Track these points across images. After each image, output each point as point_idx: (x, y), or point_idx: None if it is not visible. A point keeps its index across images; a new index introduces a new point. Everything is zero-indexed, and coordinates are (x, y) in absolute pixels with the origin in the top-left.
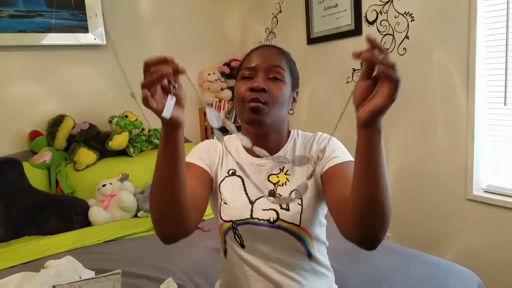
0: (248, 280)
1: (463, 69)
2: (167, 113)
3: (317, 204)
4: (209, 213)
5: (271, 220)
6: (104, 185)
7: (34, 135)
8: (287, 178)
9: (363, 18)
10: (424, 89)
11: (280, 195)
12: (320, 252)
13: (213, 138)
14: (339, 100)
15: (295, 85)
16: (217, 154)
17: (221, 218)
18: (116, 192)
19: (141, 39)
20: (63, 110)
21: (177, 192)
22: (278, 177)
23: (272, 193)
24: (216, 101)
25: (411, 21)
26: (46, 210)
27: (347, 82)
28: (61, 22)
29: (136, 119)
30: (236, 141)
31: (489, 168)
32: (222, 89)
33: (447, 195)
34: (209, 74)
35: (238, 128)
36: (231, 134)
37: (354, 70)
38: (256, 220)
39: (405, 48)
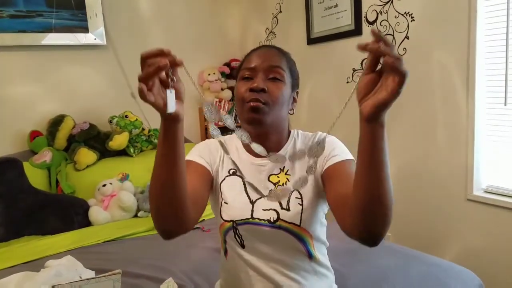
0: (248, 280)
1: (463, 69)
2: (171, 108)
3: (318, 204)
4: (209, 213)
5: (272, 220)
6: (104, 185)
7: (34, 135)
8: (287, 178)
9: (363, 18)
10: (424, 89)
11: None
12: (321, 252)
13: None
14: (339, 100)
15: (295, 85)
16: (218, 153)
17: (221, 217)
18: (116, 192)
19: (141, 39)
20: (63, 110)
21: (176, 188)
22: (278, 177)
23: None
24: (216, 101)
25: (411, 21)
26: (46, 210)
27: (347, 82)
28: (61, 22)
29: (136, 119)
30: (237, 141)
31: (489, 168)
32: (222, 89)
33: (447, 195)
34: (209, 74)
35: (238, 128)
36: (232, 134)
37: (354, 70)
38: (256, 220)
39: (405, 48)
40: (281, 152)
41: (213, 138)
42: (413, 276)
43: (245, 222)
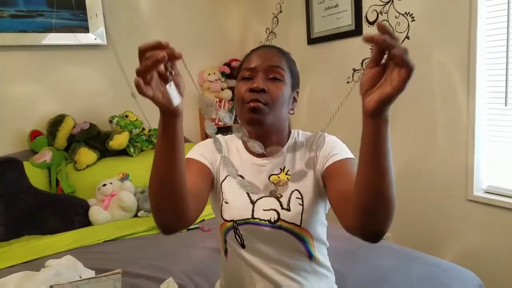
0: (248, 280)
1: (464, 69)
2: (175, 101)
3: (318, 204)
4: (209, 213)
5: (272, 220)
6: (104, 185)
7: (34, 134)
8: (288, 179)
9: (364, 19)
10: (425, 89)
11: (281, 195)
12: (321, 253)
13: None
14: (339, 100)
15: (295, 85)
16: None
17: (222, 217)
18: (116, 192)
19: (141, 39)
20: (64, 109)
21: (175, 183)
22: (279, 177)
23: (273, 194)
24: (216, 101)
25: (412, 21)
26: (47, 209)
27: (347, 82)
28: (62, 22)
29: (137, 119)
30: (238, 141)
31: (490, 168)
32: (222, 89)
33: (447, 196)
34: (209, 74)
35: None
36: (232, 134)
37: (354, 70)
38: (257, 220)
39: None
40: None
41: (209, 134)
42: (413, 276)
43: (245, 222)
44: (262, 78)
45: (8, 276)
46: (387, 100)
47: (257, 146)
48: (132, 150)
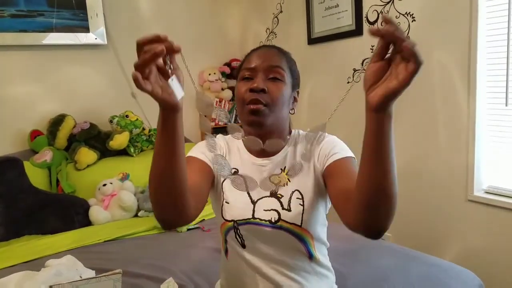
0: (248, 280)
1: (464, 70)
2: (179, 95)
3: (319, 204)
4: (209, 213)
5: (273, 220)
6: (104, 185)
7: (34, 134)
8: (288, 179)
9: (364, 19)
10: (425, 89)
11: (282, 196)
12: (321, 253)
13: (215, 137)
14: (340, 101)
15: (295, 84)
16: (221, 153)
17: (222, 217)
18: (116, 192)
19: None
20: (64, 109)
21: (175, 178)
22: (279, 177)
23: (273, 193)
24: (217, 101)
25: (412, 21)
26: (47, 209)
27: (348, 83)
28: (62, 21)
29: (137, 119)
30: (238, 141)
31: (490, 169)
32: (222, 89)
33: (447, 196)
34: (209, 74)
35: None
36: (233, 134)
37: (354, 70)
38: (257, 220)
39: None
40: (282, 152)
41: (202, 130)
42: (413, 276)
43: (246, 222)
44: (262, 78)
45: (8, 276)
46: (392, 95)
47: (255, 142)
48: (132, 150)
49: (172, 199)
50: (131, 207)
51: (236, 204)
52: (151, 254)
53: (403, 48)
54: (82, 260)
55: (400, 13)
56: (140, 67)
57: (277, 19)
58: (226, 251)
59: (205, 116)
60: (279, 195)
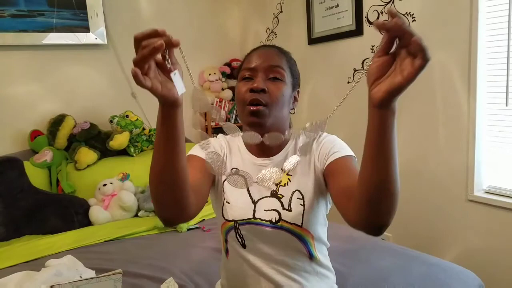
0: (249, 280)
1: (464, 70)
2: (180, 90)
3: (319, 204)
4: (209, 213)
5: (273, 220)
6: (104, 185)
7: (35, 134)
8: (289, 179)
9: (364, 19)
10: (425, 90)
11: (282, 196)
12: (321, 253)
13: (215, 136)
14: (340, 100)
15: (295, 84)
16: (221, 152)
17: (223, 217)
18: (116, 192)
19: None
20: (64, 109)
21: (175, 174)
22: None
23: (274, 194)
24: (217, 101)
25: (412, 21)
26: (47, 209)
27: (348, 83)
28: (62, 21)
29: (137, 119)
30: (239, 141)
31: (490, 169)
32: (222, 89)
33: (447, 196)
34: (209, 74)
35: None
36: (234, 134)
37: (355, 70)
38: (258, 220)
39: None
40: (283, 152)
41: (196, 128)
42: (413, 276)
43: (247, 222)
44: (262, 78)
45: (9, 275)
46: (397, 91)
47: (253, 137)
48: (132, 150)
49: (173, 196)
50: (131, 207)
51: (237, 204)
52: (151, 254)
53: (412, 42)
54: (82, 260)
55: (400, 13)
56: (139, 63)
57: (277, 19)
58: (227, 251)
59: (200, 114)
60: (279, 195)
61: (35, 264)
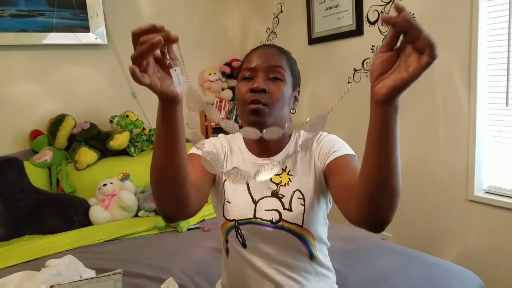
0: (249, 279)
1: (465, 70)
2: (180, 87)
3: (320, 204)
4: (209, 213)
5: (274, 220)
6: (104, 185)
7: (35, 134)
8: (289, 178)
9: (365, 18)
10: (426, 90)
11: (283, 195)
12: (322, 253)
13: (215, 136)
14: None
15: (296, 84)
16: (222, 152)
17: (224, 217)
18: (116, 192)
19: None
20: (64, 109)
21: (175, 170)
22: (280, 177)
23: (274, 193)
24: (217, 101)
25: None
26: (47, 209)
27: (348, 83)
28: (63, 21)
29: (137, 119)
30: (240, 141)
31: (491, 169)
32: (222, 89)
33: (448, 196)
34: (210, 74)
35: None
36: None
37: (355, 70)
38: (259, 220)
39: None
40: (283, 152)
41: (189, 127)
42: (413, 276)
43: (247, 222)
44: (262, 78)
45: (9, 275)
46: (402, 87)
47: (253, 132)
48: (132, 150)
49: (173, 192)
50: (131, 207)
51: (238, 204)
52: (151, 254)
53: (421, 39)
54: (82, 260)
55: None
56: (137, 59)
57: (278, 19)
58: (227, 251)
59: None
60: (280, 195)
61: (35, 264)
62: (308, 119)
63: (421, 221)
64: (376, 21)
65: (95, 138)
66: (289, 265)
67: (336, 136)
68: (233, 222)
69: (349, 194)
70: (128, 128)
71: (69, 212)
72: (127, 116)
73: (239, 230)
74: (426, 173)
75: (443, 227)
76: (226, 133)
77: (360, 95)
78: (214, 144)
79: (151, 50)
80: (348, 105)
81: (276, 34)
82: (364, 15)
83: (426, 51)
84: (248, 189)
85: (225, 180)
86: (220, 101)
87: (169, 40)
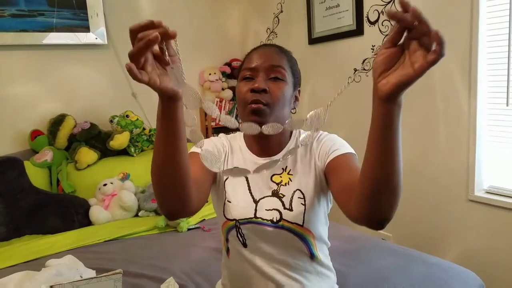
0: (250, 279)
1: (465, 69)
2: (179, 85)
3: (320, 203)
4: (209, 213)
5: (274, 220)
6: (105, 185)
7: (35, 134)
8: (290, 178)
9: (365, 18)
10: (426, 90)
11: (283, 195)
12: (322, 253)
13: (216, 136)
14: (341, 100)
15: (296, 84)
16: (223, 151)
17: (224, 216)
18: (117, 192)
19: None
20: (64, 109)
21: (176, 168)
22: (281, 177)
23: (275, 193)
24: (217, 101)
25: None
26: (47, 209)
27: (348, 83)
28: (63, 21)
29: (137, 119)
30: (240, 141)
31: (491, 169)
32: (223, 89)
33: (448, 196)
34: (210, 74)
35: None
36: (235, 133)
37: (355, 70)
38: (259, 219)
39: None
40: (283, 151)
41: (188, 125)
42: (413, 277)
43: (248, 221)
44: (263, 78)
45: (9, 275)
46: (406, 84)
47: (252, 127)
48: (132, 150)
49: (174, 189)
50: (132, 207)
51: (238, 204)
52: (151, 254)
53: (432, 35)
54: (82, 260)
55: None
56: (135, 56)
57: (278, 19)
58: (228, 251)
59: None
60: (280, 195)
61: (35, 264)
62: (308, 115)
63: (421, 221)
64: (377, 21)
65: (95, 138)
66: (290, 265)
67: (336, 136)
68: (234, 221)
69: (349, 193)
70: (128, 128)
71: (69, 212)
72: (127, 116)
73: (240, 230)
74: (426, 173)
75: (443, 227)
76: (226, 133)
77: (360, 95)
78: (215, 143)
79: (148, 47)
80: (348, 105)
81: (276, 34)
82: (364, 15)
83: (436, 48)
84: (249, 189)
85: (225, 180)
86: (220, 101)
87: (167, 36)
